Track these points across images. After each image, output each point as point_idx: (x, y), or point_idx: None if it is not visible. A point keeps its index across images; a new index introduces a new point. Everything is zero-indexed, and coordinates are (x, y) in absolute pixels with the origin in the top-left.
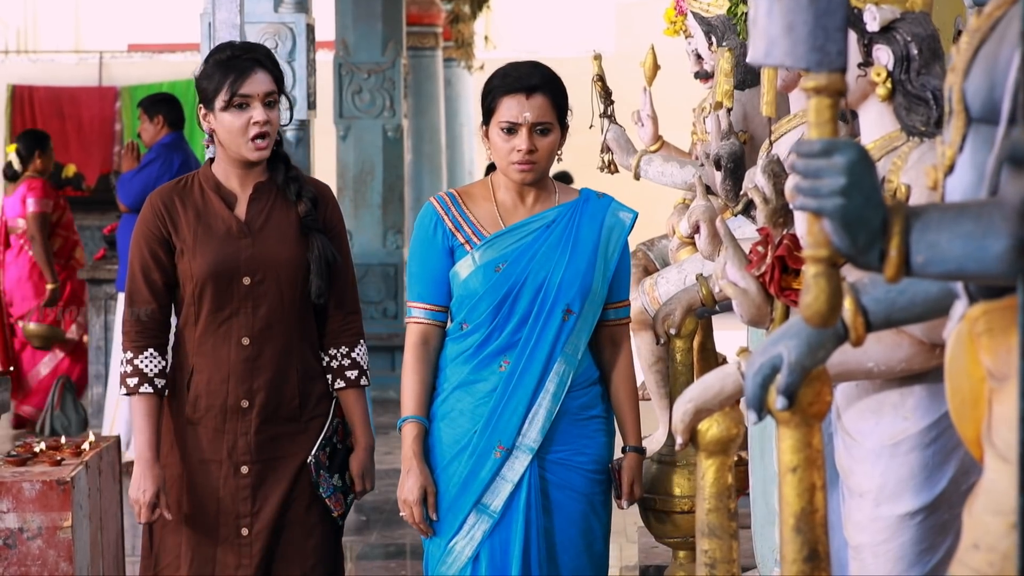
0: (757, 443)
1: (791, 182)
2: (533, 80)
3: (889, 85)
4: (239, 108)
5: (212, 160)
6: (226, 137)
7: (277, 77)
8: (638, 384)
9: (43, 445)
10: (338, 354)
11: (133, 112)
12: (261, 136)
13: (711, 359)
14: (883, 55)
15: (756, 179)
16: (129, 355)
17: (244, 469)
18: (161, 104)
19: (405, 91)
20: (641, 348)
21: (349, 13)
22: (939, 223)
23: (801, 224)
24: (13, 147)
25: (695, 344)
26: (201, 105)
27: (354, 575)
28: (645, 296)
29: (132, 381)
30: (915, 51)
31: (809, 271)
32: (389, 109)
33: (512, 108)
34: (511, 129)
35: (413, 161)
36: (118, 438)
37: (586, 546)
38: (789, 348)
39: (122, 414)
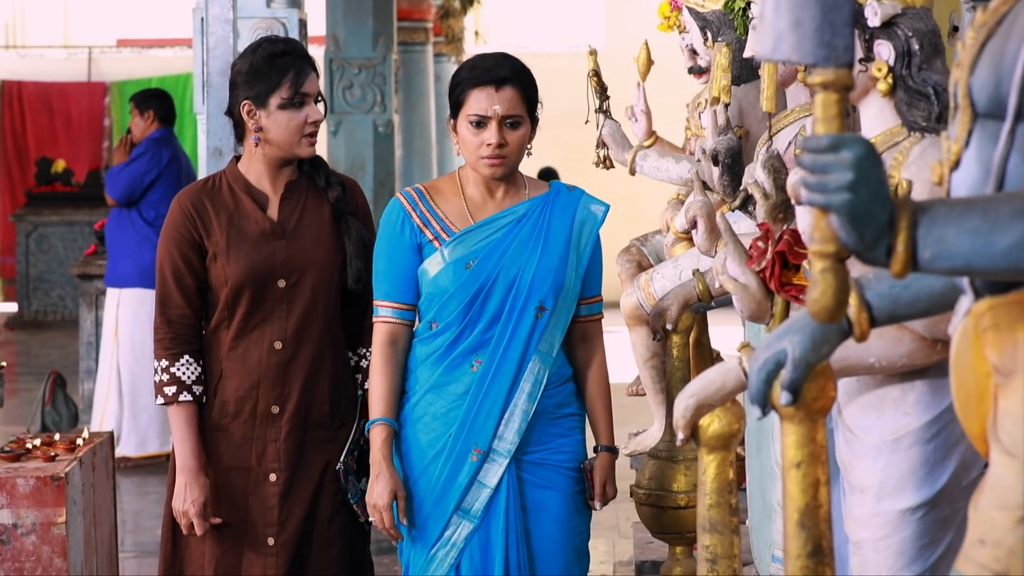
0: (754, 438)
1: (797, 177)
2: (502, 72)
3: (890, 80)
4: (297, 106)
5: (237, 159)
6: (280, 135)
7: (318, 76)
8: (633, 379)
9: (37, 441)
10: (367, 353)
11: (123, 107)
12: (313, 133)
13: (706, 355)
14: (884, 50)
15: (756, 174)
16: (164, 363)
17: (273, 477)
18: (152, 99)
19: (396, 86)
20: (636, 344)
21: (340, 8)
22: (946, 218)
23: (802, 219)
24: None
25: (691, 340)
26: (248, 101)
27: None
28: (640, 291)
29: (170, 390)
30: (916, 46)
31: (816, 266)
32: (380, 104)
33: (481, 101)
34: (480, 122)
35: (403, 156)
36: (111, 433)
37: (573, 546)
38: (793, 343)
39: (111, 409)
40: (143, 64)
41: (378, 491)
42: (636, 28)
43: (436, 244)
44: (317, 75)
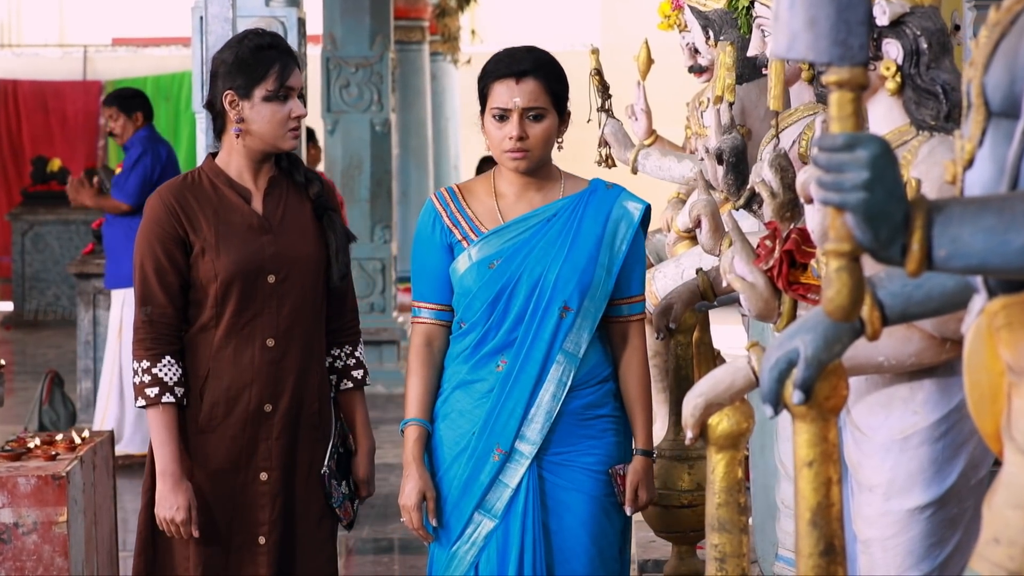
0: (757, 438)
1: (806, 176)
2: (524, 64)
3: (898, 79)
4: (281, 100)
5: (214, 155)
6: (263, 127)
7: (301, 72)
8: None
9: (37, 440)
10: (342, 353)
11: None
12: (296, 127)
13: (708, 354)
14: (892, 49)
15: (763, 173)
16: (146, 364)
17: (264, 476)
18: (136, 99)
19: (393, 85)
20: None
21: (337, 7)
22: (961, 217)
23: (811, 218)
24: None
25: (693, 339)
26: (231, 91)
27: (344, 571)
28: None
29: (152, 391)
30: (924, 45)
31: (831, 265)
32: (377, 103)
33: (503, 94)
34: (503, 116)
35: (400, 155)
36: (111, 432)
37: (599, 551)
38: (806, 342)
39: (112, 409)
40: (138, 63)
41: (407, 492)
42: (632, 27)
43: (465, 244)
44: (300, 71)
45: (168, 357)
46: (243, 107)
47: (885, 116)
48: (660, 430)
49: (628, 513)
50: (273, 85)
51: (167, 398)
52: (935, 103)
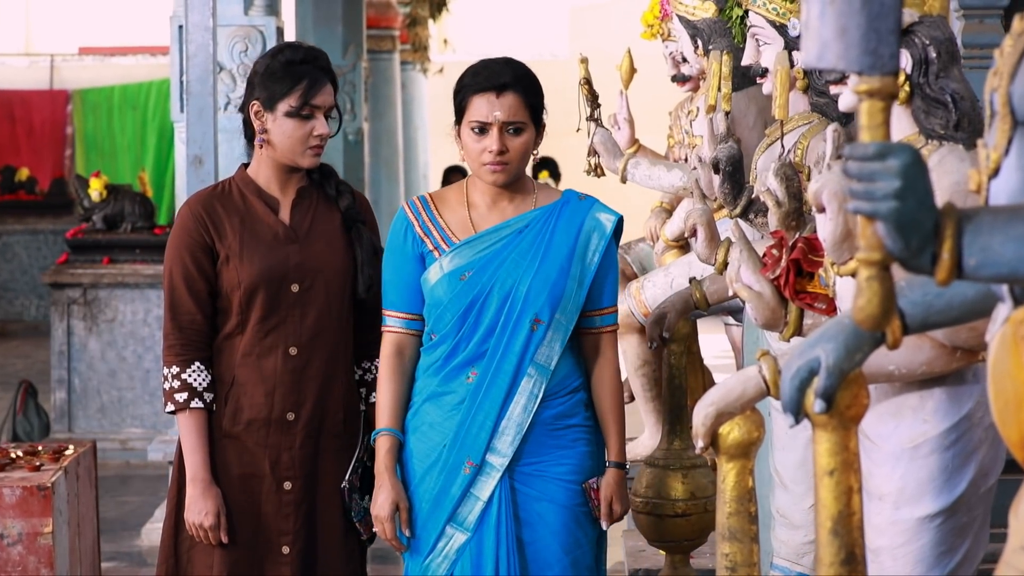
0: None
1: (823, 184)
2: (504, 78)
3: (907, 88)
4: (304, 118)
5: (246, 165)
6: (284, 142)
7: (335, 90)
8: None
9: (20, 451)
10: (372, 367)
11: (85, 115)
12: (318, 146)
13: (697, 362)
14: (901, 58)
15: (768, 182)
16: (175, 369)
17: (287, 485)
18: None
19: (365, 94)
20: (627, 352)
21: (309, 16)
22: (991, 226)
23: (823, 227)
24: None
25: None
26: (256, 101)
27: None
28: (632, 299)
29: (182, 396)
30: (933, 54)
31: (861, 274)
32: (350, 112)
33: (482, 107)
34: (482, 129)
35: (371, 165)
36: (94, 443)
37: (572, 561)
38: (827, 351)
39: None
40: (105, 72)
41: (380, 502)
42: (600, 37)
43: (436, 254)
44: (335, 89)
45: (197, 363)
46: (266, 119)
47: (894, 125)
48: (648, 439)
49: (604, 527)
50: (296, 102)
51: (196, 403)
52: (944, 112)
